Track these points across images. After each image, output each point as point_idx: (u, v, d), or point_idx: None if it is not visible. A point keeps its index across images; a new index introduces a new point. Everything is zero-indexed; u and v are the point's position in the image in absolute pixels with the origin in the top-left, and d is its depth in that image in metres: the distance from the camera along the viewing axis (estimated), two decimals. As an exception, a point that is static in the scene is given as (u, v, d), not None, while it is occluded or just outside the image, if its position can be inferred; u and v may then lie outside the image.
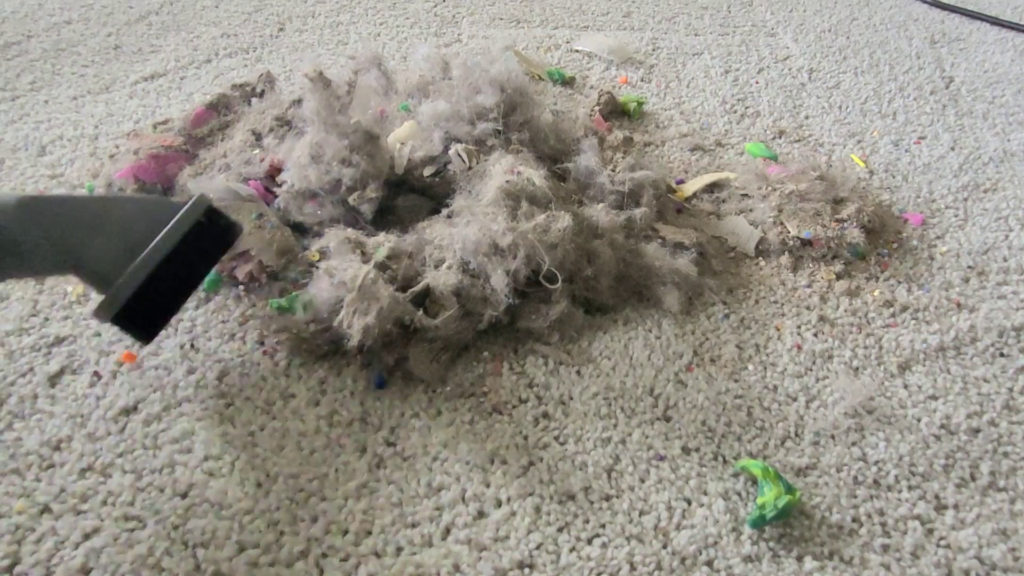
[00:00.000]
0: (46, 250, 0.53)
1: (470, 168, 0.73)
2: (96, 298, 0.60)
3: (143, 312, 0.57)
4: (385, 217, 0.75)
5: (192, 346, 0.65)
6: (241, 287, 0.70)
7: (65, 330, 0.66)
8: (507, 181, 0.69)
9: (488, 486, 0.56)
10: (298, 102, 0.81)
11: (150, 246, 0.56)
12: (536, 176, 0.70)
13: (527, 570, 0.51)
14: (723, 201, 0.85)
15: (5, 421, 0.59)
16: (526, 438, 0.60)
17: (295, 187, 0.70)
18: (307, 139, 0.70)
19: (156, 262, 0.56)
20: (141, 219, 0.57)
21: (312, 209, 0.71)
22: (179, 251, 0.58)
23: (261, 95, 0.86)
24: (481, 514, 0.55)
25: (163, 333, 0.66)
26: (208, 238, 0.60)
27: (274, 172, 0.75)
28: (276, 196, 0.73)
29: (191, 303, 0.69)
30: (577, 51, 1.17)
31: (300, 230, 0.75)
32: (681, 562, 0.52)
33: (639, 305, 0.72)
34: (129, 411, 0.60)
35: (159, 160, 0.77)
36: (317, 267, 0.65)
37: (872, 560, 0.53)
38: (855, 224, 0.79)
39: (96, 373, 0.63)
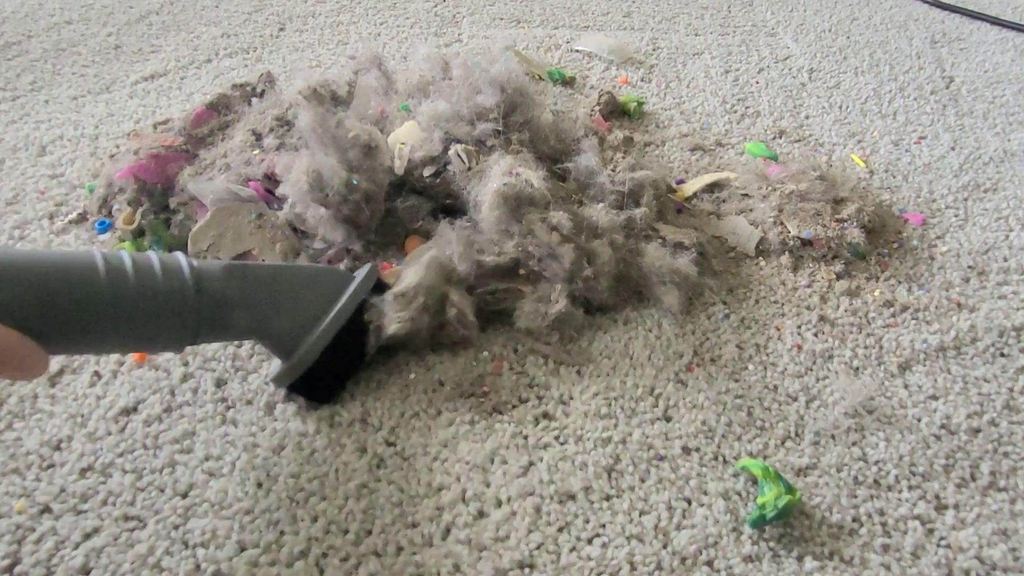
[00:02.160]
0: (244, 316, 0.54)
1: (470, 168, 0.73)
2: (276, 363, 0.61)
3: (319, 380, 0.59)
4: (386, 219, 0.75)
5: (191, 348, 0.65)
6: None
7: (65, 330, 0.66)
8: (505, 184, 0.69)
9: (488, 486, 0.56)
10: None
11: (328, 318, 0.58)
12: (535, 177, 0.70)
13: (527, 570, 0.51)
14: (723, 201, 0.85)
15: (5, 421, 0.59)
16: (526, 438, 0.60)
17: (296, 210, 0.70)
18: (304, 163, 0.69)
19: (333, 334, 0.58)
20: (318, 288, 0.59)
21: (314, 224, 0.71)
22: (354, 321, 0.60)
23: (261, 95, 0.86)
24: (481, 514, 0.55)
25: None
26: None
27: (272, 175, 0.75)
28: (276, 197, 0.73)
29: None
30: (577, 51, 1.17)
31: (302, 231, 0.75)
32: (681, 562, 0.52)
33: (639, 305, 0.72)
34: (129, 411, 0.60)
35: (159, 160, 0.77)
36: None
37: (872, 560, 0.53)
38: (855, 224, 0.79)
39: (96, 373, 0.63)
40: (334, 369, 0.60)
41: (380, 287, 0.64)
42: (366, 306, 0.61)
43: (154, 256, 0.50)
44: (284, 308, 0.56)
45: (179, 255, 0.51)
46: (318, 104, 0.73)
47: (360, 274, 0.62)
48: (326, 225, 0.70)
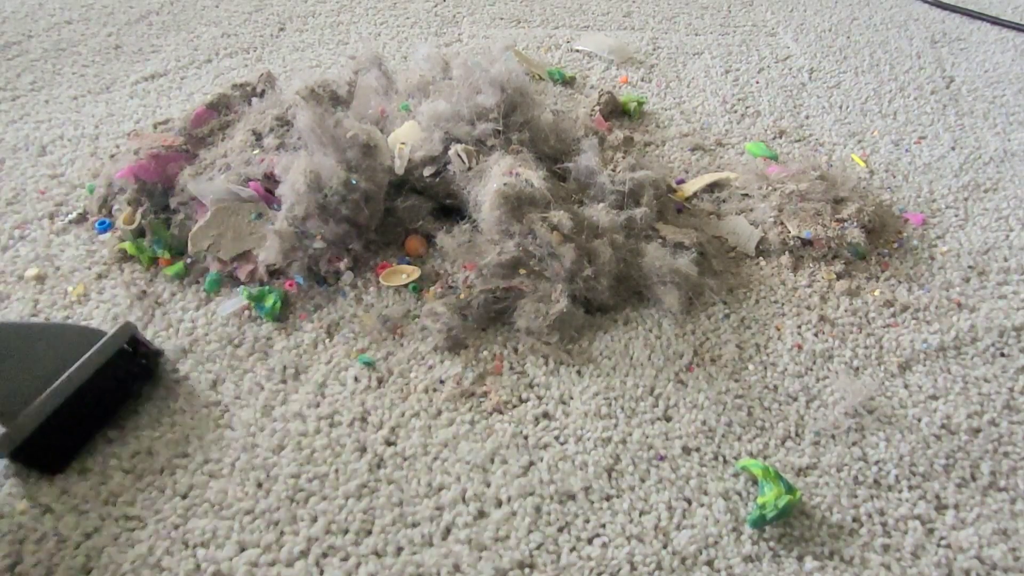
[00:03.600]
0: None
1: (470, 168, 0.73)
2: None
3: (47, 447, 0.54)
4: (386, 219, 0.75)
5: (191, 349, 0.65)
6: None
7: (65, 330, 0.66)
8: (504, 184, 0.69)
9: (488, 486, 0.56)
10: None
11: (62, 377, 0.54)
12: (534, 177, 0.70)
13: (527, 570, 0.51)
14: (723, 201, 0.85)
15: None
16: (526, 438, 0.60)
17: (294, 212, 0.70)
18: (303, 163, 0.69)
19: (64, 396, 0.54)
20: (55, 346, 0.55)
21: (313, 225, 0.71)
22: (94, 381, 0.55)
23: (261, 95, 0.86)
24: (481, 514, 0.55)
25: (164, 334, 0.66)
26: (129, 368, 0.59)
27: (272, 175, 0.75)
28: (275, 197, 0.73)
29: (192, 303, 0.69)
30: (577, 51, 1.17)
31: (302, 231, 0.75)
32: (681, 562, 0.52)
33: (639, 305, 0.72)
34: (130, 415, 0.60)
35: (159, 160, 0.77)
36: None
37: (872, 560, 0.53)
38: (855, 224, 0.79)
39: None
40: (66, 434, 0.55)
41: (136, 345, 0.59)
42: (114, 365, 0.57)
43: None
44: (6, 367, 0.52)
45: None
46: (316, 104, 0.73)
47: (109, 333, 0.58)
48: (323, 218, 0.70)
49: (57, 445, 0.55)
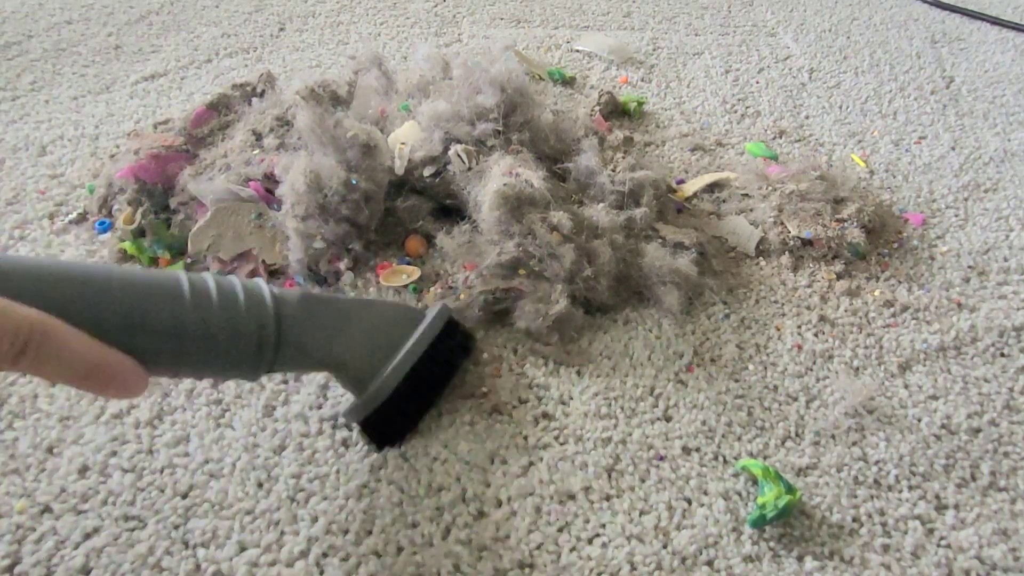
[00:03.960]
0: (321, 345, 0.52)
1: (470, 169, 0.73)
2: (347, 397, 0.59)
3: (390, 418, 0.57)
4: (386, 219, 0.75)
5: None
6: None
7: (65, 330, 0.66)
8: (504, 184, 0.69)
9: (488, 486, 0.56)
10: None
11: (403, 350, 0.56)
12: (534, 177, 0.70)
13: (527, 570, 0.51)
14: (723, 201, 0.85)
15: (6, 421, 0.59)
16: (526, 438, 0.60)
17: (294, 212, 0.70)
18: (302, 164, 0.69)
19: (408, 368, 0.56)
20: (392, 323, 0.57)
21: (313, 225, 0.71)
22: (427, 357, 0.57)
23: (262, 95, 0.86)
24: (481, 514, 0.55)
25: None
26: (450, 346, 0.61)
27: (272, 175, 0.75)
28: (275, 197, 0.73)
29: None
30: (577, 51, 1.17)
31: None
32: (681, 562, 0.52)
33: (639, 305, 0.72)
34: (129, 411, 0.60)
35: (159, 160, 0.77)
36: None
37: (872, 560, 0.53)
38: (855, 224, 0.79)
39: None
40: (406, 408, 0.58)
41: (455, 326, 0.62)
42: (441, 342, 0.59)
43: (237, 281, 0.48)
44: (359, 340, 0.55)
45: (260, 281, 0.50)
46: (316, 104, 0.73)
47: (431, 312, 0.60)
48: (324, 218, 0.69)
49: (398, 418, 0.58)
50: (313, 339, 0.52)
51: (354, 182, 0.69)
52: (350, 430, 0.59)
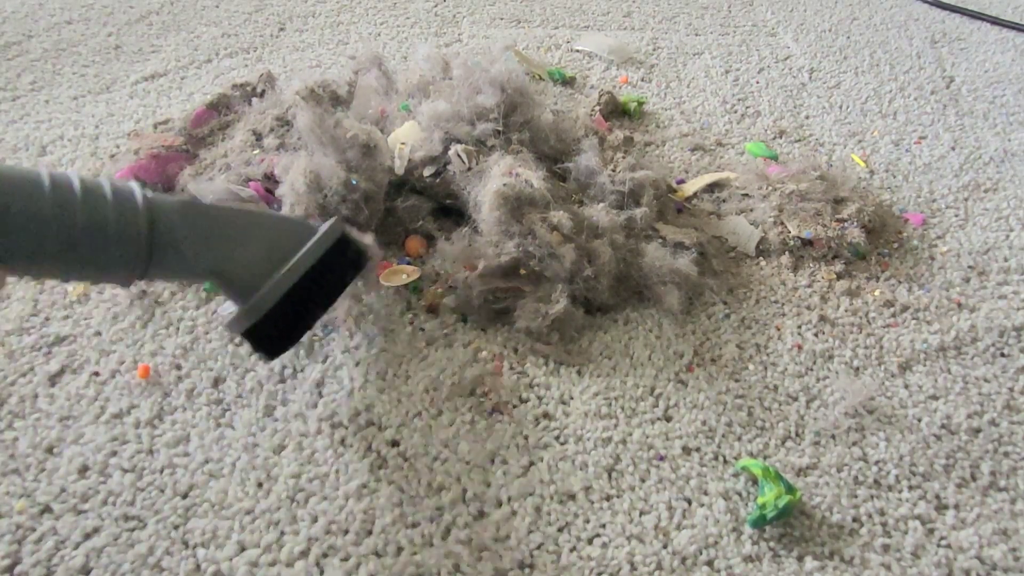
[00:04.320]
0: (200, 253, 0.52)
1: (470, 169, 0.73)
2: (227, 308, 0.59)
3: (275, 329, 0.56)
4: (386, 219, 0.75)
5: (191, 347, 0.65)
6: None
7: (65, 329, 0.66)
8: (504, 184, 0.69)
9: (488, 486, 0.56)
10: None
11: (290, 263, 0.55)
12: (534, 177, 0.70)
13: (527, 570, 0.51)
14: (723, 201, 0.85)
15: (6, 421, 0.59)
16: (526, 438, 0.60)
17: (294, 212, 0.70)
18: (302, 164, 0.69)
19: (294, 279, 0.56)
20: (281, 236, 0.57)
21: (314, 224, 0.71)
22: (316, 271, 0.57)
23: (261, 95, 0.87)
24: (481, 514, 0.55)
25: (164, 332, 0.66)
26: (341, 262, 0.60)
27: (272, 175, 0.75)
28: (276, 197, 0.73)
29: (192, 303, 0.69)
30: (577, 51, 1.17)
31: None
32: (681, 562, 0.52)
33: (639, 305, 0.72)
34: (130, 410, 0.60)
35: (159, 160, 0.77)
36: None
37: (873, 560, 0.53)
38: (856, 224, 0.79)
39: (95, 372, 0.63)
40: (290, 320, 0.57)
41: (347, 243, 0.61)
42: (331, 256, 0.59)
43: (106, 181, 0.47)
44: (243, 250, 0.54)
45: (134, 184, 0.49)
46: (316, 104, 0.73)
47: (323, 227, 0.59)
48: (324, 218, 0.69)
49: (283, 329, 0.57)
50: (192, 246, 0.51)
51: (354, 182, 0.69)
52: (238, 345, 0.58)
